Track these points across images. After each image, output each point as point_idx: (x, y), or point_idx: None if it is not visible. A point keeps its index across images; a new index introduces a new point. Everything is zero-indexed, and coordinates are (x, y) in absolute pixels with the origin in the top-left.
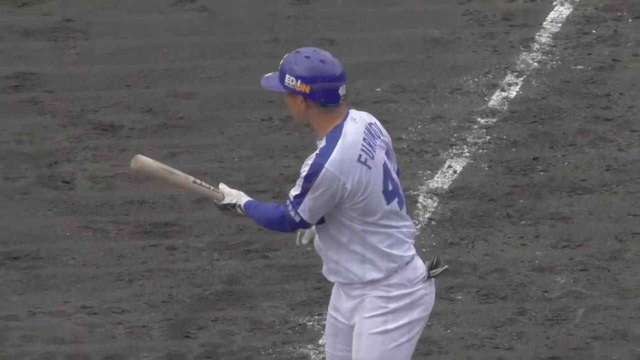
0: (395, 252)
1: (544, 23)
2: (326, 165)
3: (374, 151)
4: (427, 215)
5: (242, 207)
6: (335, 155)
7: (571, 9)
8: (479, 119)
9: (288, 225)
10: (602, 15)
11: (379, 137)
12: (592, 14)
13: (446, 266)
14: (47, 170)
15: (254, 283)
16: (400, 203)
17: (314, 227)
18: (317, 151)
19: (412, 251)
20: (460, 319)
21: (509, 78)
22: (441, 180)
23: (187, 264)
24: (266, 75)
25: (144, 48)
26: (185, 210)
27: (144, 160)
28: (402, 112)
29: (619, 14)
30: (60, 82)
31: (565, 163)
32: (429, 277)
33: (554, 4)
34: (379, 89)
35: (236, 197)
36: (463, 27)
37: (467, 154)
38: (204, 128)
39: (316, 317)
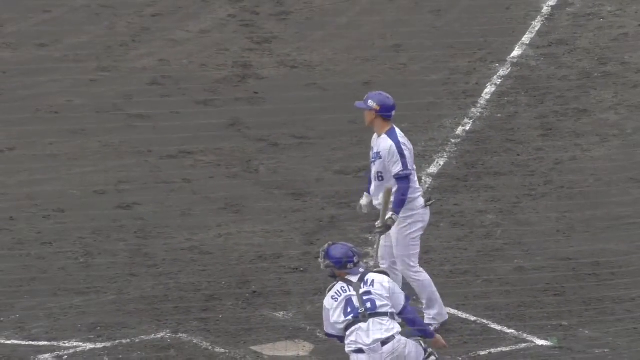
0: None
1: (483, 94)
2: (399, 139)
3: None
4: (426, 186)
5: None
6: (399, 136)
7: (495, 88)
8: (451, 140)
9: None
10: (510, 91)
11: None
12: (505, 90)
13: (434, 200)
14: (245, 164)
15: (348, 223)
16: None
17: (368, 200)
18: (389, 140)
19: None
20: (442, 234)
21: (466, 120)
22: (433, 169)
23: (313, 210)
24: (357, 102)
25: (290, 109)
26: (312, 183)
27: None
28: (415, 135)
29: (517, 91)
30: (253, 123)
31: (492, 161)
32: (425, 205)
33: (487, 85)
34: (404, 125)
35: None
36: (443, 96)
37: (446, 157)
38: (321, 145)
39: None
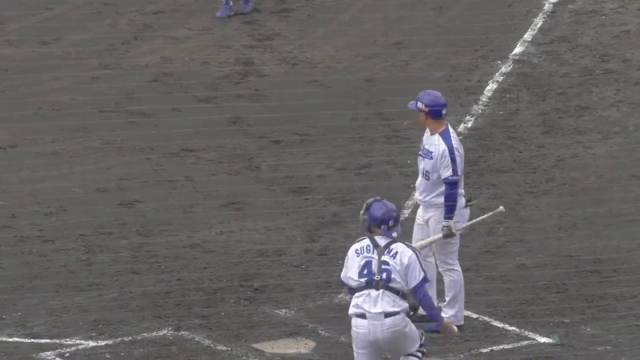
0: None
1: (485, 91)
2: (453, 143)
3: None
4: None
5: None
6: (452, 139)
7: (497, 85)
8: None
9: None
10: (512, 88)
11: None
12: (506, 87)
13: (475, 202)
14: (247, 161)
15: (350, 220)
16: None
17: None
18: (443, 143)
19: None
20: None
21: (468, 117)
22: None
23: (315, 207)
24: (409, 102)
25: (291, 107)
26: (314, 180)
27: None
28: (417, 133)
29: (519, 88)
30: (255, 121)
31: (494, 159)
32: (466, 205)
33: (488, 82)
34: (406, 122)
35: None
36: (445, 93)
37: None
38: (322, 142)
39: None
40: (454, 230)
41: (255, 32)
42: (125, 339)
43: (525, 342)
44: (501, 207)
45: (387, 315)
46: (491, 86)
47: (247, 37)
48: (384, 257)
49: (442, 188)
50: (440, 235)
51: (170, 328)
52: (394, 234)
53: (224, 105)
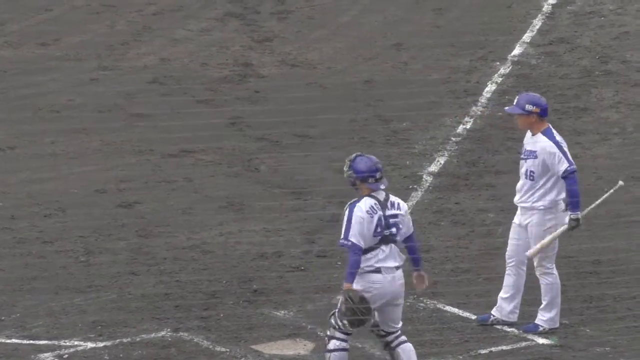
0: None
1: (484, 92)
2: (557, 139)
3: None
4: (427, 184)
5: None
6: (555, 136)
7: (496, 86)
8: (452, 138)
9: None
10: (511, 89)
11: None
12: (505, 89)
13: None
14: (246, 163)
15: None
16: None
17: None
18: (548, 140)
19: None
20: (443, 233)
21: (467, 119)
22: (434, 168)
23: (314, 209)
24: (506, 107)
25: (291, 108)
26: (313, 182)
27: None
28: (416, 134)
29: (518, 89)
30: (254, 122)
31: (493, 160)
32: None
33: (487, 83)
34: (405, 124)
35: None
36: (444, 95)
37: (446, 155)
38: (321, 143)
39: None
40: (581, 221)
41: (255, 33)
42: (124, 340)
43: (524, 343)
44: (620, 182)
45: (397, 268)
46: (490, 87)
47: (246, 39)
48: (389, 212)
49: (542, 191)
50: (565, 227)
51: (169, 329)
52: (382, 186)
53: (223, 107)
